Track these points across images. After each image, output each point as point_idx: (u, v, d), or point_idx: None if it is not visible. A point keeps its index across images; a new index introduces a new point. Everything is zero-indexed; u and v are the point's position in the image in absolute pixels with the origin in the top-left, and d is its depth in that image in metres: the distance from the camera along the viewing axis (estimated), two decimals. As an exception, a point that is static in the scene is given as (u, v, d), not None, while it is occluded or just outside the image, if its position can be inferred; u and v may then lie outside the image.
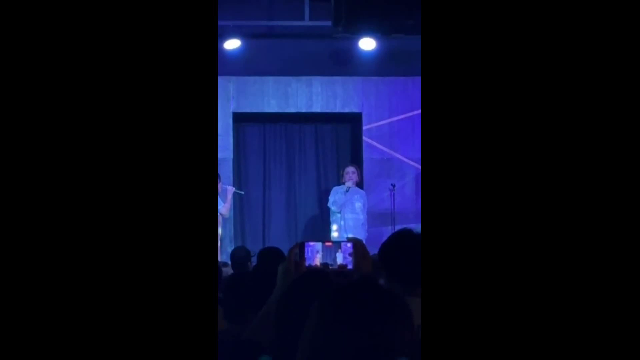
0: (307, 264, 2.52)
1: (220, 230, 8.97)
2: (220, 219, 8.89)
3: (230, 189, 9.19)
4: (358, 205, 9.33)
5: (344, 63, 10.15)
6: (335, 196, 9.37)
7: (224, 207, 8.93)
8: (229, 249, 8.97)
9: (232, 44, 9.80)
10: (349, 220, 9.30)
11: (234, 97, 10.29)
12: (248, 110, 10.36)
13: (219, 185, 8.88)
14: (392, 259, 3.03)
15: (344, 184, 9.36)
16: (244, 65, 10.01)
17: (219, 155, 10.14)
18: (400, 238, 3.10)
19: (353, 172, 9.41)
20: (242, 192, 9.61)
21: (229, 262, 7.08)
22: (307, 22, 9.75)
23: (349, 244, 2.63)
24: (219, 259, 7.72)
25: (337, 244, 2.60)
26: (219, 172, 10.00)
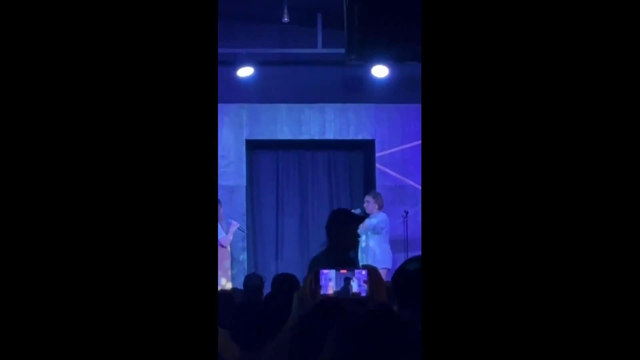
0: (322, 292, 2.50)
1: (227, 263, 9.00)
2: (229, 249, 8.99)
3: (235, 224, 9.18)
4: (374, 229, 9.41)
5: (357, 90, 10.17)
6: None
7: (225, 239, 8.94)
8: (242, 276, 8.97)
9: (245, 72, 9.85)
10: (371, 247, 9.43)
11: (247, 124, 10.31)
12: (261, 137, 10.39)
13: (220, 211, 8.95)
14: (403, 286, 3.02)
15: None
16: (257, 93, 10.05)
17: (232, 183, 10.17)
18: (412, 267, 3.10)
19: (367, 202, 9.54)
20: (244, 232, 9.61)
21: (242, 289, 7.07)
22: (320, 50, 9.79)
23: (363, 272, 2.62)
24: (232, 286, 7.71)
25: (352, 272, 2.59)
26: (232, 199, 10.03)
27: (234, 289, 7.20)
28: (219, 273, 8.70)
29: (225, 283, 8.70)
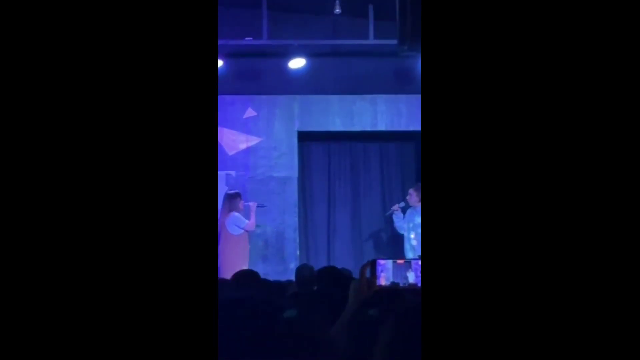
0: (378, 282, 2.50)
1: (248, 246, 9.22)
2: (247, 235, 9.18)
3: (253, 205, 9.29)
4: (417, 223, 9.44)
5: (409, 81, 10.13)
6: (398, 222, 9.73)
7: (249, 224, 9.14)
8: (292, 267, 9.00)
9: (297, 63, 9.86)
10: (412, 240, 9.48)
11: (299, 115, 10.33)
12: (313, 129, 10.39)
13: (241, 203, 9.15)
14: None
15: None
16: (309, 84, 10.06)
17: (284, 174, 10.20)
18: None
19: (410, 194, 9.61)
20: (265, 206, 9.67)
21: (293, 280, 7.09)
22: (371, 41, 9.77)
23: (419, 261, 2.61)
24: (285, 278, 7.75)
25: (408, 262, 2.59)
26: (280, 191, 10.07)
27: (287, 281, 7.23)
28: (243, 257, 8.93)
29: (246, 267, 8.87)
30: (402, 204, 9.74)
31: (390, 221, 10.07)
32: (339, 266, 7.29)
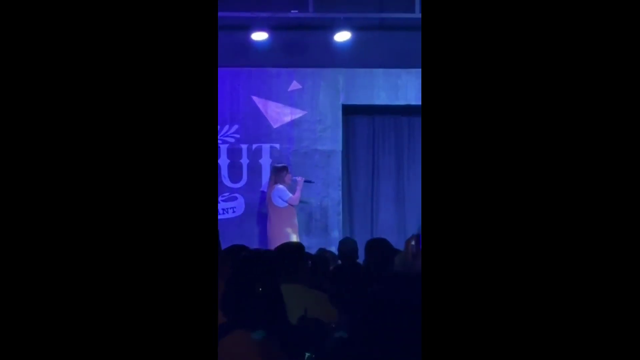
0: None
1: (295, 221, 9.23)
2: (293, 209, 9.21)
3: (300, 180, 9.32)
4: None
5: (455, 55, 10.04)
6: None
7: (294, 198, 9.20)
8: (337, 239, 9.04)
9: (342, 36, 9.84)
10: None
11: (344, 89, 10.31)
12: (357, 102, 10.36)
13: (289, 177, 9.25)
14: None
15: None
16: (354, 58, 10.03)
17: (329, 147, 10.21)
18: None
19: None
20: (313, 182, 9.69)
21: (337, 253, 7.12)
22: (417, 15, 9.70)
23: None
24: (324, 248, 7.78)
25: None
26: (328, 165, 10.08)
27: (330, 253, 7.25)
28: (290, 230, 8.97)
29: (296, 239, 8.89)
30: None
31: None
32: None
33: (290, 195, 9.21)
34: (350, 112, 10.54)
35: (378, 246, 5.72)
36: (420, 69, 10.14)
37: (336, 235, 9.97)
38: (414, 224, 10.63)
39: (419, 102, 10.32)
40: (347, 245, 7.08)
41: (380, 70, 10.29)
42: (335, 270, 4.49)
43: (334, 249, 8.48)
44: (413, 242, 2.53)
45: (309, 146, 10.20)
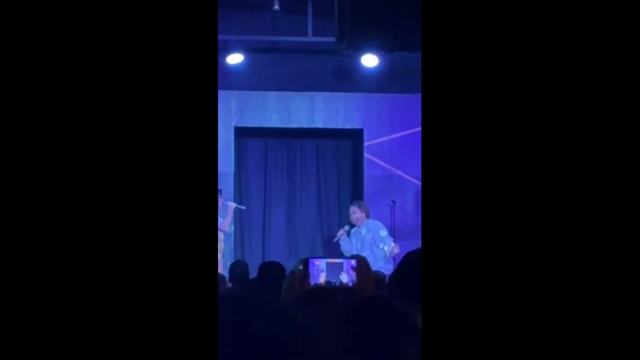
0: (312, 281, 2.51)
1: (222, 245, 9.02)
2: (221, 234, 8.95)
3: (231, 205, 9.22)
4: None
5: (347, 79, 10.17)
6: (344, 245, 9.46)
7: (224, 223, 8.99)
8: (229, 263, 8.98)
9: (234, 59, 9.82)
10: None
11: (236, 111, 10.30)
12: (250, 124, 10.38)
13: (220, 201, 8.97)
14: (405, 279, 3.03)
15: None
16: (247, 80, 10.03)
17: (220, 170, 10.15)
18: (415, 259, 3.11)
19: (353, 212, 9.46)
20: (243, 207, 9.65)
21: (227, 276, 7.08)
22: (310, 38, 9.78)
23: (352, 261, 2.63)
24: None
25: (341, 263, 2.60)
26: (220, 186, 10.03)
27: (220, 275, 7.21)
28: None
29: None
30: (347, 228, 9.58)
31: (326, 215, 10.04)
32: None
33: (221, 220, 8.96)
34: (242, 134, 10.53)
35: (269, 270, 5.73)
36: (311, 92, 10.28)
37: (227, 257, 9.92)
38: (305, 246, 10.67)
39: (311, 125, 10.40)
40: (237, 267, 7.07)
41: (273, 92, 10.33)
42: (226, 293, 4.46)
43: (224, 271, 8.43)
44: (301, 267, 2.53)
45: (200, 168, 10.14)
